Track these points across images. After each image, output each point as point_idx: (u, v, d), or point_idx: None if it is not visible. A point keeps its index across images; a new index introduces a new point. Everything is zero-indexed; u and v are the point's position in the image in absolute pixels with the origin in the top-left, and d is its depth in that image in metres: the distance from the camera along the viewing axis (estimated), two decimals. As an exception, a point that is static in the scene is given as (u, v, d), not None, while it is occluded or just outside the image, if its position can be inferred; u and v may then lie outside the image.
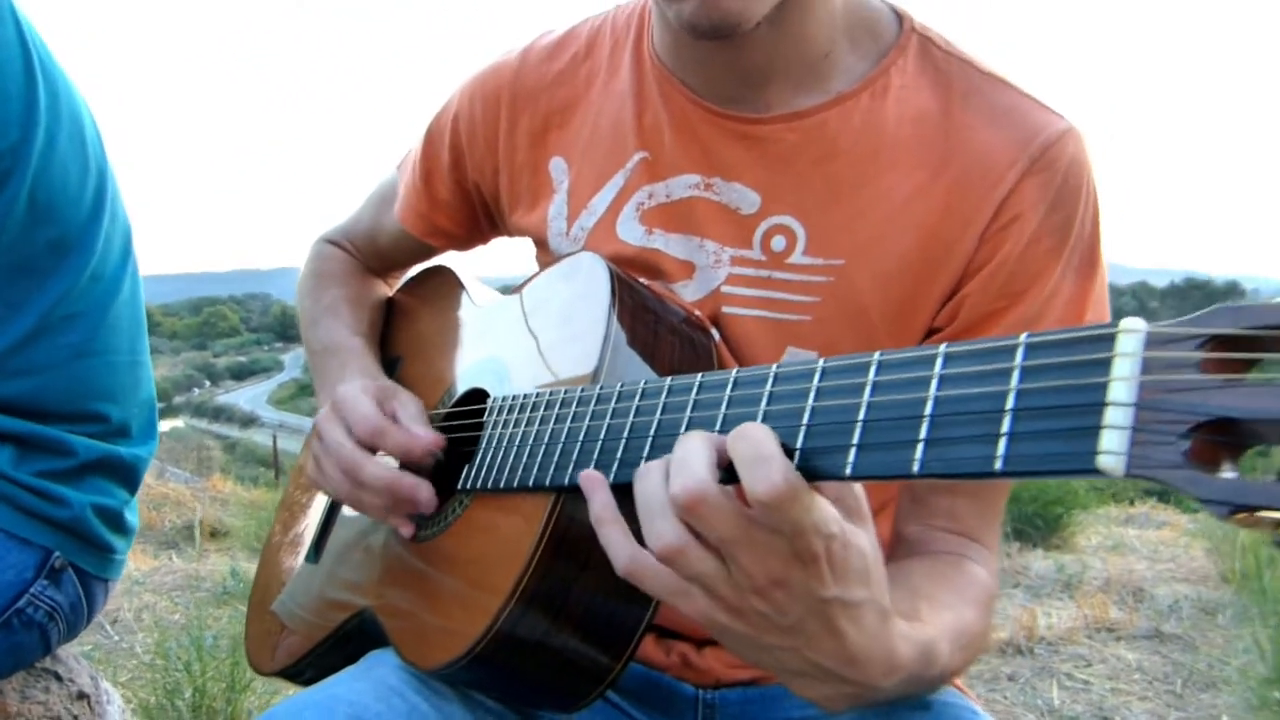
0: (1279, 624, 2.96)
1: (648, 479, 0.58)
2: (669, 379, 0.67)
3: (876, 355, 0.54)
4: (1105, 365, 0.44)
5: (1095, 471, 0.42)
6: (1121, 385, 0.42)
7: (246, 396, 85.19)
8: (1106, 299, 0.86)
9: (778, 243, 0.86)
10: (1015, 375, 0.48)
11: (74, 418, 1.05)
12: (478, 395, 0.91)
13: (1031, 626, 3.27)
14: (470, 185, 1.03)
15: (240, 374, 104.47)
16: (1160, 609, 3.58)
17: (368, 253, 1.17)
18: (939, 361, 0.51)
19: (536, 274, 0.94)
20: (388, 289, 1.20)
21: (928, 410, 0.50)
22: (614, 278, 0.81)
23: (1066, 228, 0.82)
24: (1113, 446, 0.42)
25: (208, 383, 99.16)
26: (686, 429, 0.62)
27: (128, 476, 1.12)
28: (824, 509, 0.55)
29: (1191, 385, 0.40)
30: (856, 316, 0.85)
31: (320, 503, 1.09)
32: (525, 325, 0.90)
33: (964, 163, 0.83)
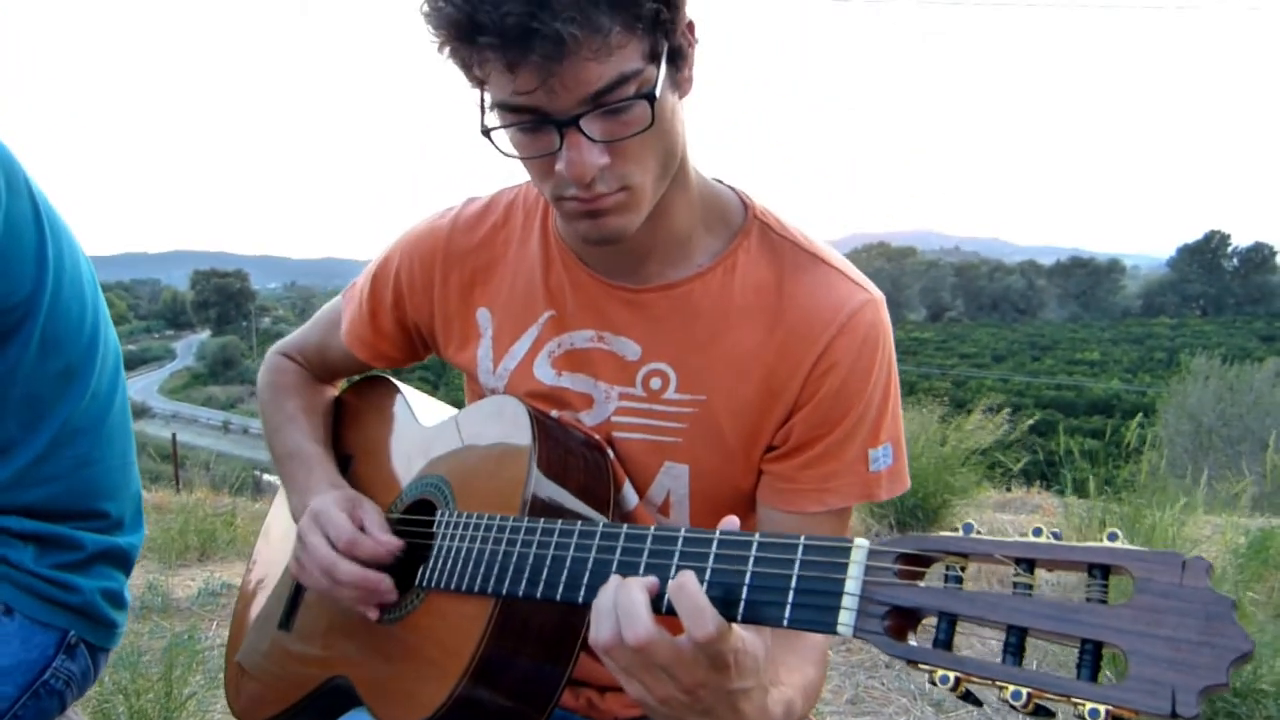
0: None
1: (601, 625, 0.83)
2: (601, 524, 0.93)
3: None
4: (843, 568, 0.72)
5: (835, 631, 0.71)
6: (852, 582, 0.71)
7: (138, 387, 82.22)
8: (900, 416, 1.13)
9: (655, 383, 1.11)
10: (796, 565, 0.76)
11: (81, 516, 1.23)
12: (425, 505, 1.15)
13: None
14: (410, 323, 1.25)
15: (130, 363, 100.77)
16: (1022, 595, 3.96)
17: (316, 365, 1.37)
18: (754, 547, 0.80)
19: (469, 407, 1.18)
20: (334, 391, 1.41)
21: (747, 581, 0.80)
22: (534, 422, 1.05)
23: (867, 373, 1.08)
24: (845, 620, 0.71)
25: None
26: (617, 570, 0.88)
27: (125, 562, 1.30)
28: (736, 636, 0.81)
29: (889, 584, 0.68)
30: (716, 438, 1.10)
31: (286, 576, 1.29)
32: (464, 453, 1.14)
33: (792, 323, 1.08)
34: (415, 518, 1.15)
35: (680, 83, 1.00)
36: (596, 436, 1.12)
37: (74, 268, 1.23)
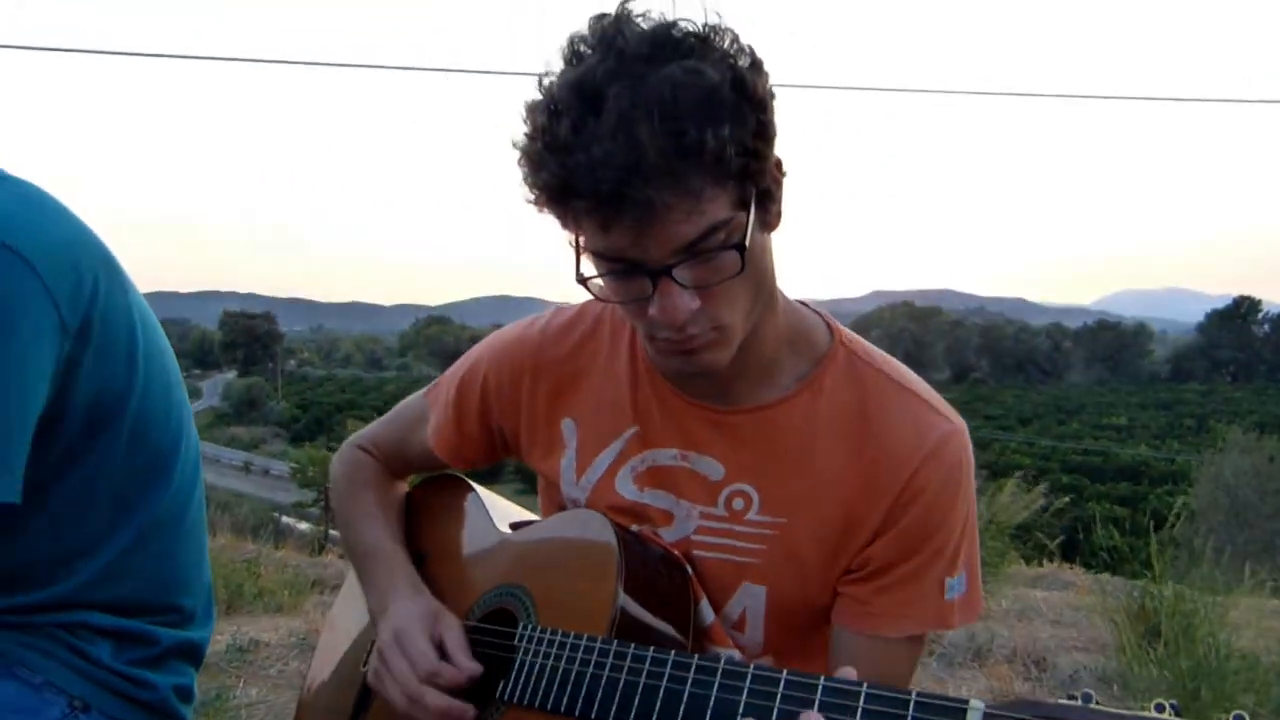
0: (1168, 696, 3.27)
1: None
2: (696, 657, 0.93)
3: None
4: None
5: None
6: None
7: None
8: (976, 544, 1.14)
9: (737, 504, 1.12)
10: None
11: (157, 610, 1.23)
12: (504, 614, 1.14)
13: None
14: (495, 429, 1.26)
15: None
16: (1061, 679, 3.91)
17: (393, 460, 1.38)
18: (863, 698, 0.79)
19: (552, 517, 1.20)
20: (405, 486, 1.42)
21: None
22: (619, 539, 1.06)
23: (951, 503, 1.09)
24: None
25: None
26: (714, 707, 0.89)
27: (196, 656, 1.30)
28: None
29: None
30: (795, 561, 1.10)
31: (355, 675, 1.29)
32: (545, 564, 1.14)
33: (877, 450, 1.09)
34: (494, 627, 1.15)
35: (770, 220, 1.02)
36: (676, 553, 1.12)
37: (161, 361, 1.24)
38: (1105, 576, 6.17)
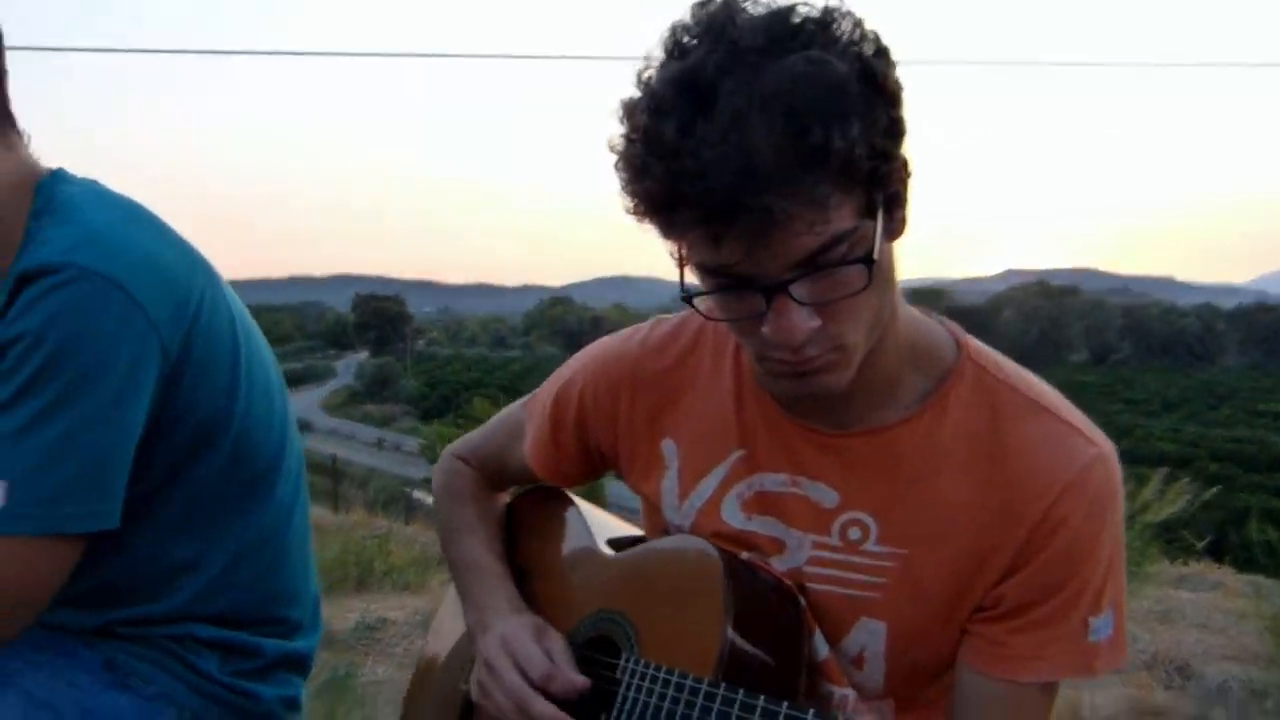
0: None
1: None
2: (810, 713, 0.87)
3: None
4: None
5: None
6: None
7: (302, 403, 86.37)
8: (1123, 578, 1.03)
9: (853, 533, 1.04)
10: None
11: (262, 622, 1.24)
12: (605, 641, 1.10)
13: (1075, 708, 3.36)
14: (592, 445, 1.20)
15: (295, 380, 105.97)
16: (1208, 690, 3.67)
17: (492, 472, 1.35)
18: None
19: (655, 542, 1.14)
20: (506, 497, 1.39)
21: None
22: (727, 571, 0.99)
23: (1096, 535, 0.99)
24: None
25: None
26: None
27: (303, 666, 1.31)
28: None
29: None
30: (919, 596, 1.02)
31: (455, 692, 1.27)
32: (648, 592, 1.09)
33: (1012, 477, 0.99)
34: (596, 656, 1.11)
35: (896, 227, 0.93)
36: (788, 582, 1.05)
37: (263, 372, 1.24)
38: (1259, 578, 5.79)
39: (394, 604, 5.07)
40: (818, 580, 1.05)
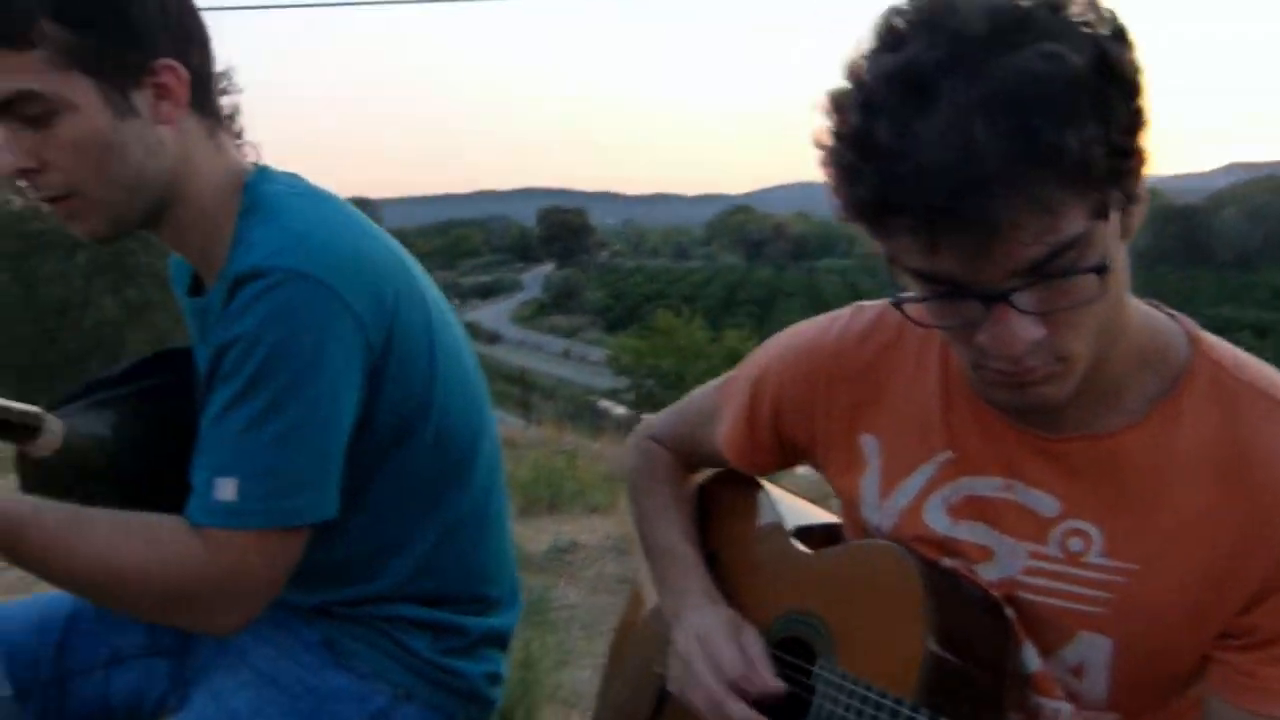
0: None
1: None
2: None
3: None
4: None
5: None
6: None
7: (491, 314, 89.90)
8: None
9: (1074, 544, 0.95)
10: None
11: (466, 601, 1.27)
12: (798, 643, 1.07)
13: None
14: (788, 437, 1.15)
15: (485, 293, 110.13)
16: None
17: (684, 454, 1.32)
18: None
19: (853, 544, 1.10)
20: (698, 479, 1.36)
21: None
22: (927, 583, 0.95)
23: None
24: None
25: (457, 301, 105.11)
26: None
27: (503, 642, 1.33)
28: None
29: None
30: (1150, 614, 0.93)
31: (650, 672, 1.26)
32: (844, 596, 1.05)
33: (1259, 488, 0.88)
34: (788, 658, 1.08)
35: (1131, 225, 0.84)
36: (994, 593, 0.99)
37: (459, 358, 1.24)
38: None
39: (585, 526, 5.16)
40: (1033, 591, 0.98)
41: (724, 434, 1.21)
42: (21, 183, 1.08)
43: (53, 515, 1.04)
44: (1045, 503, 0.97)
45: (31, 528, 1.01)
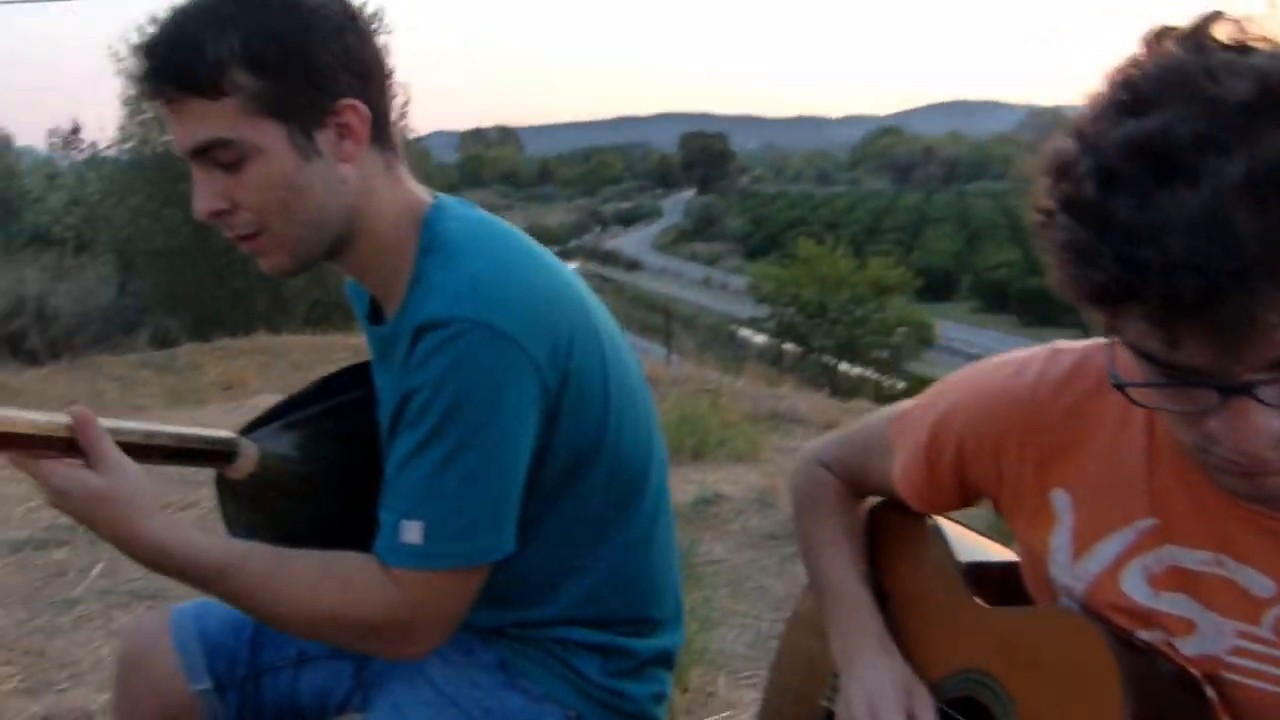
0: None
1: None
2: None
3: None
4: None
5: None
6: None
7: (631, 241, 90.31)
8: None
9: None
10: None
11: (634, 623, 1.28)
12: (973, 705, 1.04)
13: None
14: (970, 484, 1.10)
15: (625, 220, 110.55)
16: None
17: (853, 483, 1.28)
18: None
19: (1040, 609, 1.05)
20: (867, 506, 1.31)
21: None
22: (1121, 663, 0.90)
23: None
24: None
25: (598, 228, 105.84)
26: None
27: (669, 662, 1.35)
28: None
29: None
30: None
31: (814, 708, 1.26)
32: (1029, 661, 1.01)
33: None
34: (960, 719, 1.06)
35: None
36: (1193, 671, 0.93)
37: (630, 386, 1.24)
38: None
39: (729, 476, 5.18)
40: (1238, 672, 0.92)
41: (899, 471, 1.17)
42: (215, 222, 1.12)
43: (259, 561, 1.10)
44: (1260, 582, 0.90)
45: (241, 573, 1.08)
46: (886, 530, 1.27)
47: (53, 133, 21.68)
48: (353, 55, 1.09)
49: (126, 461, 1.06)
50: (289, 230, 1.11)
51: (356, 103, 1.10)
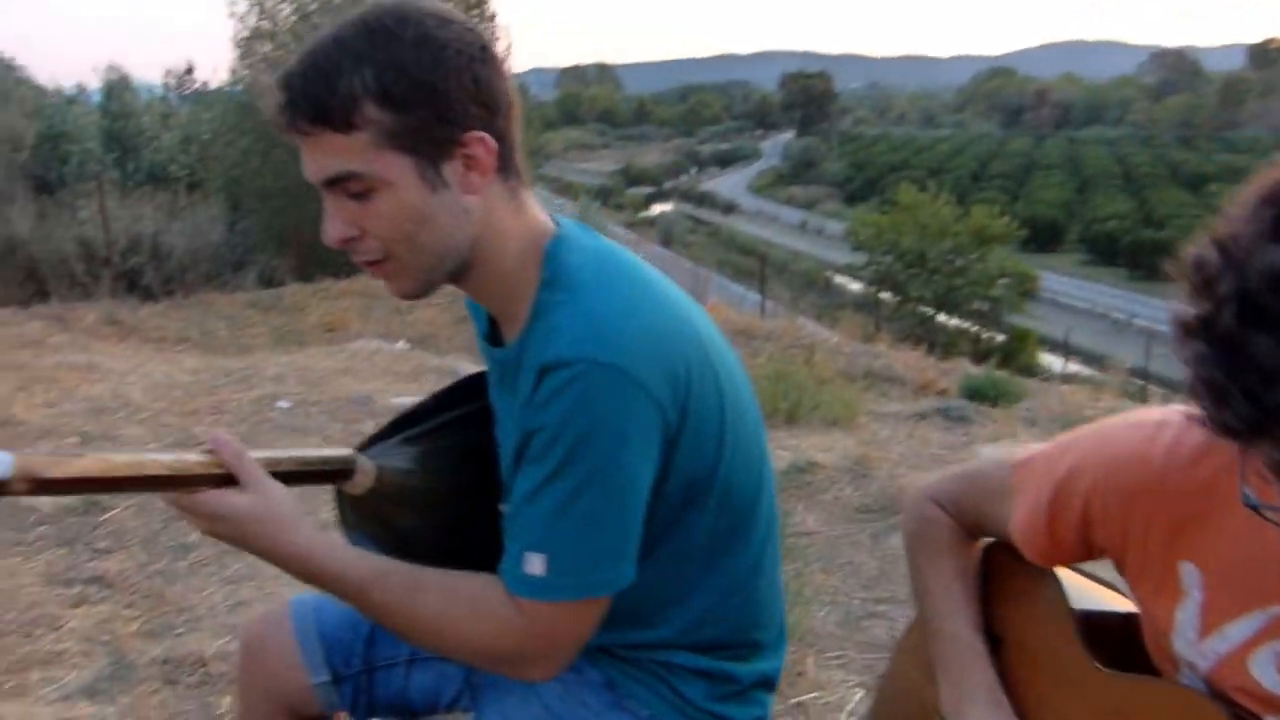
0: None
1: None
2: None
3: None
4: None
5: None
6: None
7: (728, 184, 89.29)
8: None
9: None
10: None
11: (738, 647, 1.30)
12: None
13: None
14: (1094, 544, 1.08)
15: (722, 161, 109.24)
16: None
17: (968, 524, 1.26)
18: None
19: (1163, 685, 1.02)
20: (980, 547, 1.29)
21: None
22: None
23: None
24: None
25: (694, 169, 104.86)
26: None
27: (772, 685, 1.36)
28: None
29: None
30: None
31: None
32: None
33: None
34: None
35: None
36: None
37: (744, 421, 1.24)
38: None
39: (823, 443, 5.15)
40: None
41: (1019, 523, 1.14)
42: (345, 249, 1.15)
43: (396, 579, 1.15)
44: None
45: (381, 590, 1.14)
46: (1000, 572, 1.25)
47: (168, 73, 22.41)
48: (482, 88, 1.10)
49: (269, 480, 1.12)
50: (414, 258, 1.13)
51: (484, 135, 1.10)
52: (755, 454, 1.25)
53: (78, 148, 14.92)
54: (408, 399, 5.57)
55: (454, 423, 1.35)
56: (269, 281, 12.27)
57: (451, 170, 1.10)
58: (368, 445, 1.29)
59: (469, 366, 6.83)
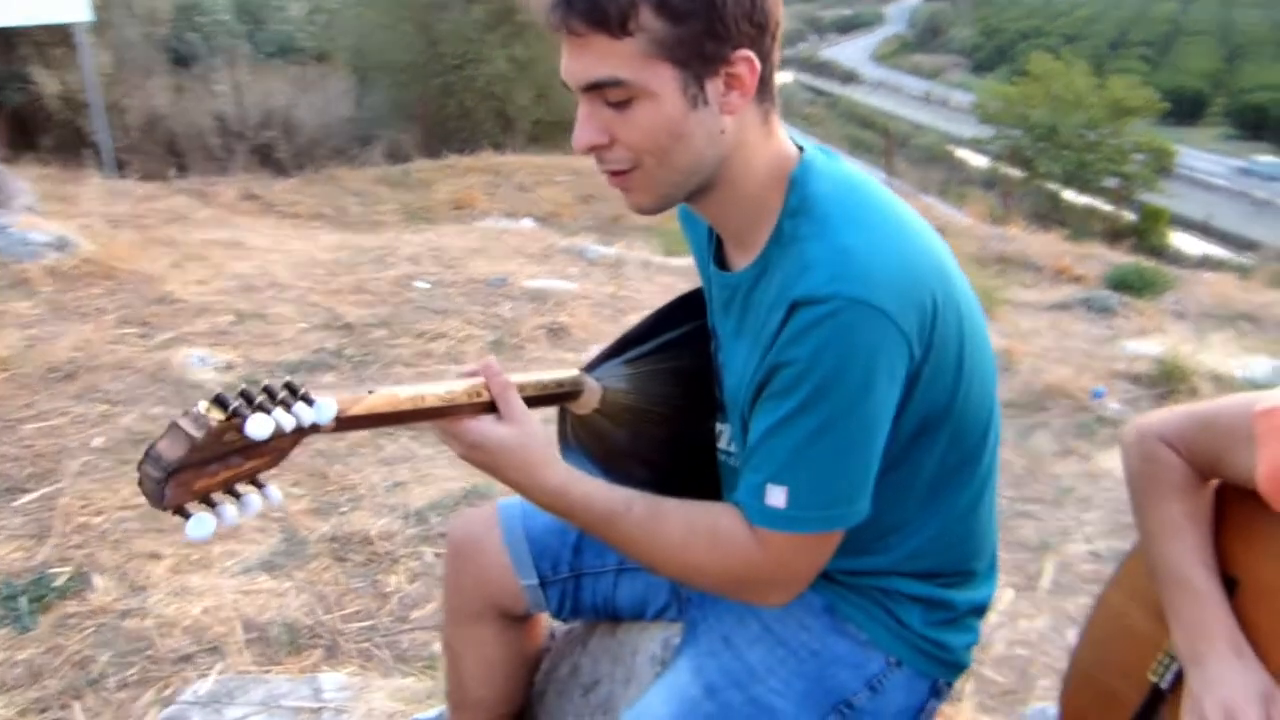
0: None
1: None
2: None
3: None
4: None
5: None
6: None
7: (849, 51, 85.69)
8: None
9: None
10: None
11: (954, 575, 1.31)
12: None
13: None
14: None
15: (844, 27, 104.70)
16: None
17: (1201, 466, 1.22)
18: None
19: None
20: (1212, 488, 1.25)
21: None
22: None
23: None
24: None
25: (814, 35, 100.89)
26: None
27: (983, 612, 1.37)
28: None
29: None
30: None
31: (1141, 678, 1.24)
32: None
33: None
34: None
35: None
36: None
37: (980, 356, 1.21)
38: None
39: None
40: None
41: (1266, 469, 1.10)
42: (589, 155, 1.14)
43: (639, 511, 1.18)
44: None
45: (625, 521, 1.17)
46: (1235, 513, 1.21)
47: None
48: (756, 5, 1.07)
49: (528, 412, 1.15)
50: (662, 173, 1.12)
51: (751, 54, 1.08)
52: (988, 386, 1.24)
53: (210, 19, 15.13)
54: (545, 282, 5.65)
55: (671, 344, 1.36)
56: (395, 156, 12.44)
57: (714, 88, 1.09)
58: (593, 366, 1.32)
59: (597, 248, 6.84)
